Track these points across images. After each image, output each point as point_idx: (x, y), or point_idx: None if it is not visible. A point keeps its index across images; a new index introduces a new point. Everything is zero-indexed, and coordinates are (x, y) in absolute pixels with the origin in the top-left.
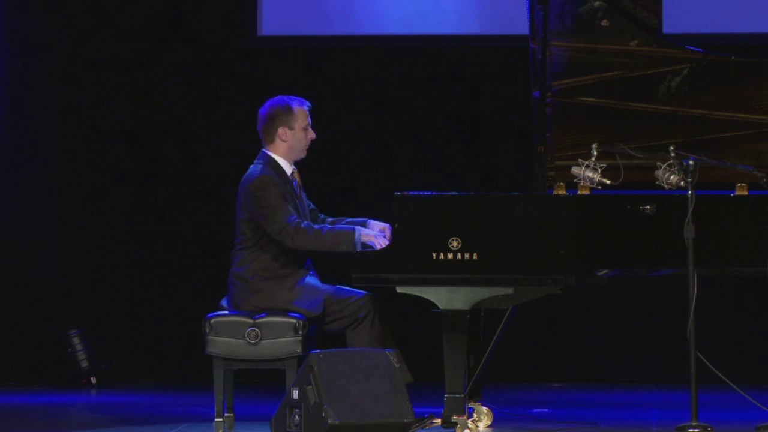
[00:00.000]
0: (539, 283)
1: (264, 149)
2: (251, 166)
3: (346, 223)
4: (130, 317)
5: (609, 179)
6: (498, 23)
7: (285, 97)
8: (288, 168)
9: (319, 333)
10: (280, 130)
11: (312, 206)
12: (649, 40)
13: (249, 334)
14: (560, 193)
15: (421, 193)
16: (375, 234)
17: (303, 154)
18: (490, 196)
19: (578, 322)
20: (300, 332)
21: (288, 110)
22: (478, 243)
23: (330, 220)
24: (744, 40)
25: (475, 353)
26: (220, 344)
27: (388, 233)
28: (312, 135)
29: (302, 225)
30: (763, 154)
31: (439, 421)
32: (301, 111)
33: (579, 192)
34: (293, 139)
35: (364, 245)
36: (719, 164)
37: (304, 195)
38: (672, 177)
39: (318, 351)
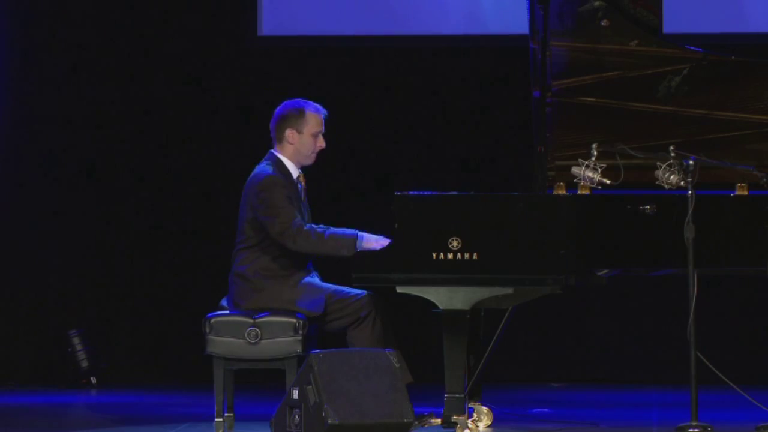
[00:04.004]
0: (539, 283)
1: (272, 150)
2: (258, 165)
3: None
4: (130, 317)
5: (609, 179)
6: (498, 23)
7: (302, 101)
8: (294, 171)
9: (320, 333)
10: (288, 132)
11: (308, 208)
12: (649, 40)
13: (249, 334)
14: (560, 193)
15: (421, 193)
16: (375, 240)
17: (310, 161)
18: (490, 196)
19: (578, 322)
20: (300, 332)
21: (299, 113)
22: (478, 243)
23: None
24: (744, 40)
25: (475, 353)
26: (220, 344)
27: (382, 241)
28: (321, 143)
29: (305, 227)
30: (763, 154)
31: (439, 420)
32: (313, 116)
33: (579, 192)
34: (300, 143)
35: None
36: (719, 164)
37: (307, 201)
38: (672, 177)
39: (318, 351)
